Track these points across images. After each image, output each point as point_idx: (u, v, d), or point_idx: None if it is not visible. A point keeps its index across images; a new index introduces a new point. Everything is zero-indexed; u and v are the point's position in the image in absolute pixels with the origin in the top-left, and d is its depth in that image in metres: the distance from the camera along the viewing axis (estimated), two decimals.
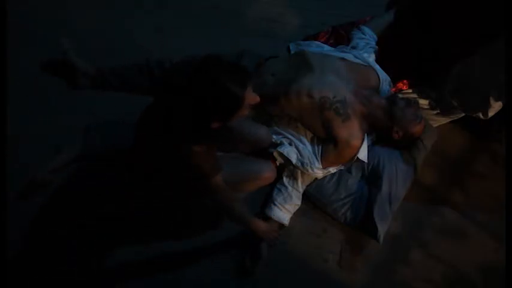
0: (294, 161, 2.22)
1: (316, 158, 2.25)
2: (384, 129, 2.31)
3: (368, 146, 2.31)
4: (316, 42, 2.56)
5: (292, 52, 2.49)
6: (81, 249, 2.18)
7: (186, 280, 2.16)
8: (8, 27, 2.14)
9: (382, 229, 2.21)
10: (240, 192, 2.19)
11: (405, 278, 2.22)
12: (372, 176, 2.33)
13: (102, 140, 2.28)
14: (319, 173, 2.27)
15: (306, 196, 2.33)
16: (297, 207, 2.27)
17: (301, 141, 2.27)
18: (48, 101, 2.44)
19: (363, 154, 2.27)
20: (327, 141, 2.25)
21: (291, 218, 2.27)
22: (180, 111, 1.68)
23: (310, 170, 2.24)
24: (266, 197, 2.30)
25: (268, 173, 2.18)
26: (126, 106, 2.27)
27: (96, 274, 2.16)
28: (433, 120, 2.49)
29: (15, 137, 2.24)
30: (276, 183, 2.29)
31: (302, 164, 2.24)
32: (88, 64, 2.33)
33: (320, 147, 2.26)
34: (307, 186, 2.32)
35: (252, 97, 1.66)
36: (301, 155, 2.24)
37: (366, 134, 2.29)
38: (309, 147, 2.27)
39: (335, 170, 2.31)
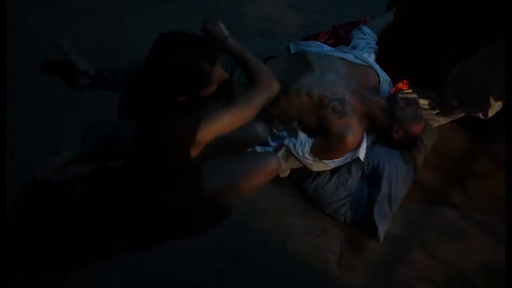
0: (286, 142, 2.25)
1: (308, 143, 2.26)
2: (384, 129, 2.31)
3: (368, 146, 2.32)
4: (316, 42, 2.57)
5: (292, 52, 2.49)
6: (79, 249, 2.18)
7: (182, 281, 2.15)
8: (8, 27, 2.14)
9: (382, 229, 2.21)
10: (250, 189, 2.19)
11: (405, 278, 2.22)
12: (371, 176, 2.33)
13: (102, 140, 2.28)
14: (308, 158, 2.26)
15: (306, 196, 2.34)
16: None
17: (297, 134, 2.28)
18: (48, 101, 2.44)
19: (362, 154, 2.27)
20: (322, 134, 2.26)
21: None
22: (148, 93, 1.66)
23: (300, 153, 2.24)
24: None
25: (274, 163, 2.17)
26: None
27: (94, 274, 2.15)
28: (433, 120, 2.49)
29: (15, 136, 2.24)
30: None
31: (294, 145, 2.24)
32: (88, 64, 2.33)
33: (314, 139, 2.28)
34: (307, 186, 2.32)
35: (220, 73, 1.66)
36: (295, 139, 2.26)
37: (365, 134, 2.30)
38: (304, 135, 2.28)
39: (332, 166, 2.30)
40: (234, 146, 2.18)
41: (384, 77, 2.40)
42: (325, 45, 2.53)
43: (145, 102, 1.70)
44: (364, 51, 2.46)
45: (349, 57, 2.38)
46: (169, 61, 1.54)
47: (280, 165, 2.26)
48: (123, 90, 2.06)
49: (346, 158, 2.28)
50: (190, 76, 1.57)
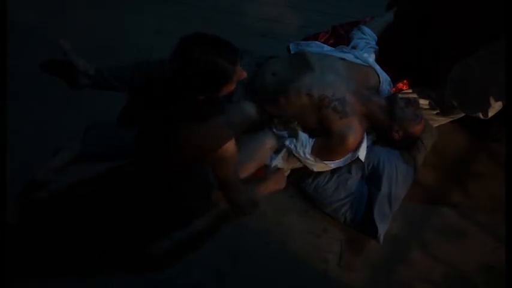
0: (287, 142, 2.25)
1: (309, 144, 2.25)
2: (384, 129, 2.31)
3: (368, 146, 2.32)
4: (316, 42, 2.57)
5: (292, 52, 2.50)
6: (79, 249, 2.18)
7: (182, 281, 2.15)
8: (8, 27, 2.14)
9: (382, 229, 2.21)
10: (251, 170, 2.20)
11: (405, 278, 2.22)
12: (371, 176, 2.33)
13: (101, 140, 2.27)
14: (309, 159, 2.26)
15: (306, 196, 2.34)
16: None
17: (297, 134, 2.28)
18: (48, 101, 2.44)
19: (362, 154, 2.27)
20: (323, 134, 2.26)
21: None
22: (170, 92, 1.69)
23: (302, 154, 2.24)
24: None
25: (270, 140, 2.18)
26: None
27: (93, 275, 2.15)
28: (433, 120, 2.49)
29: (16, 136, 2.24)
30: None
31: (295, 146, 2.24)
32: (88, 64, 2.33)
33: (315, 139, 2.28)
34: (307, 186, 2.32)
35: (240, 72, 1.68)
36: (296, 140, 2.26)
37: (365, 134, 2.30)
38: (304, 135, 2.28)
39: (332, 167, 2.30)
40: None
41: (384, 77, 2.40)
42: (325, 45, 2.53)
43: (162, 102, 1.72)
44: (364, 51, 2.46)
45: (349, 57, 2.38)
46: (193, 61, 1.57)
47: (275, 142, 2.26)
48: (130, 94, 2.06)
49: (347, 158, 2.28)
50: (212, 75, 1.60)
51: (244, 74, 1.73)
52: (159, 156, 1.85)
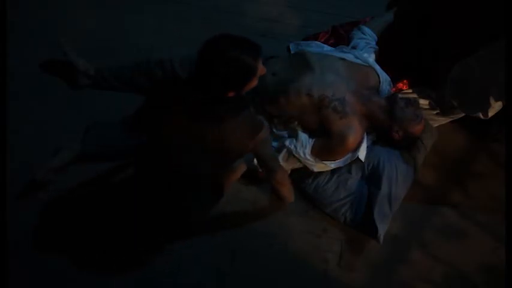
0: (287, 143, 2.26)
1: (309, 144, 2.26)
2: (384, 129, 2.31)
3: (368, 146, 2.32)
4: (316, 42, 2.57)
5: (292, 52, 2.49)
6: (79, 249, 2.18)
7: (182, 281, 2.16)
8: (8, 27, 2.14)
9: (382, 229, 2.21)
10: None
11: (405, 278, 2.22)
12: (371, 176, 2.33)
13: (101, 140, 2.28)
14: (309, 159, 2.26)
15: (306, 196, 2.34)
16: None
17: (297, 134, 2.29)
18: (48, 101, 2.44)
19: (362, 154, 2.27)
20: (323, 134, 2.26)
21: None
22: (197, 94, 1.75)
23: (302, 155, 2.24)
24: None
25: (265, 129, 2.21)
26: (126, 106, 2.27)
27: (93, 275, 2.15)
28: (433, 120, 2.49)
29: (16, 136, 2.24)
30: None
31: (295, 146, 2.24)
32: (88, 64, 2.33)
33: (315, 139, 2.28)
34: (307, 186, 2.32)
35: (262, 68, 1.76)
36: (296, 140, 2.26)
37: (365, 134, 2.30)
38: (304, 135, 2.28)
39: (332, 167, 2.30)
40: None
41: (384, 77, 2.40)
42: (325, 45, 2.53)
43: (185, 101, 1.79)
44: (364, 51, 2.46)
45: (349, 57, 2.38)
46: (221, 60, 1.65)
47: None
48: (148, 96, 2.12)
49: (347, 158, 2.28)
50: (240, 71, 1.68)
51: (265, 71, 1.80)
52: (196, 152, 1.90)
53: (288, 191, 2.22)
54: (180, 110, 1.81)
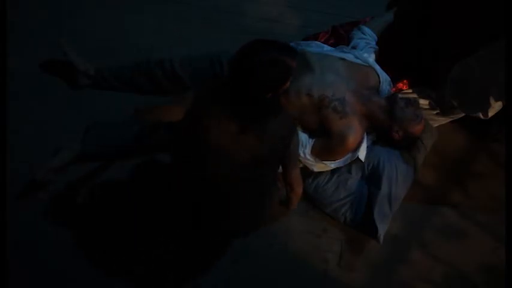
0: None
1: (309, 144, 2.25)
2: (384, 129, 2.31)
3: (368, 146, 2.32)
4: (316, 42, 2.57)
5: None
6: (79, 249, 2.18)
7: (181, 282, 2.15)
8: (8, 27, 2.14)
9: (382, 229, 2.21)
10: None
11: (405, 278, 2.22)
12: (371, 176, 2.33)
13: (101, 140, 2.27)
14: (309, 159, 2.26)
15: (306, 196, 2.33)
16: None
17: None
18: (48, 101, 2.44)
19: (362, 154, 2.27)
20: (323, 134, 2.26)
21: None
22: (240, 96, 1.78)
23: (302, 155, 2.24)
24: None
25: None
26: (126, 106, 2.28)
27: (93, 275, 2.15)
28: (433, 120, 2.49)
29: (15, 136, 2.24)
30: None
31: None
32: (88, 64, 2.33)
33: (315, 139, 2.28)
34: (307, 186, 2.32)
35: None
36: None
37: (365, 134, 2.30)
38: (304, 135, 2.28)
39: (332, 167, 2.30)
40: None
41: (384, 77, 2.40)
42: (325, 45, 2.53)
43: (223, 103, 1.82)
44: (364, 51, 2.46)
45: (349, 57, 2.38)
46: (260, 61, 1.69)
47: None
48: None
49: (347, 158, 2.28)
50: (279, 72, 1.72)
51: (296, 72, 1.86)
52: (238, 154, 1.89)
53: (297, 201, 2.19)
54: (222, 115, 1.81)
